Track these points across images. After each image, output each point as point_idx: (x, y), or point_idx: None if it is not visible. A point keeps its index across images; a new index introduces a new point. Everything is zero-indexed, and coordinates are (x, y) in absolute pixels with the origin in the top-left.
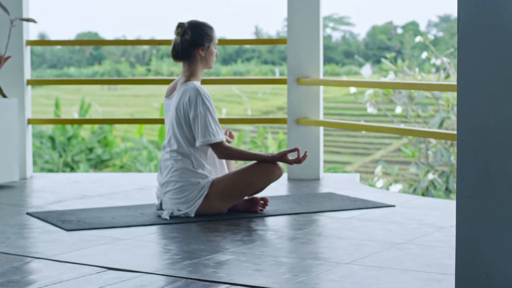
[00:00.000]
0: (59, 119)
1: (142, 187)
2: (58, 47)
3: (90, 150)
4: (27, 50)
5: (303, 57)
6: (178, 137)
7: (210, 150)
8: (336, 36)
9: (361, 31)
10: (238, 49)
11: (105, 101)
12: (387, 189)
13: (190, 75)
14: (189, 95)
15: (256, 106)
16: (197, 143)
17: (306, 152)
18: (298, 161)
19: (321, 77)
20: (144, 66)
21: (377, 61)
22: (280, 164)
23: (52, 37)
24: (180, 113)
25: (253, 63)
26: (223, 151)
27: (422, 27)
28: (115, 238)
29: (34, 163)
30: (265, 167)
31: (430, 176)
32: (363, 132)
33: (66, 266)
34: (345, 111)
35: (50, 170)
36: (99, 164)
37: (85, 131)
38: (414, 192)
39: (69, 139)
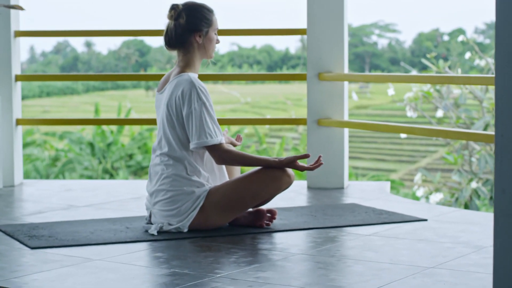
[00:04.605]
0: (50, 119)
1: (140, 196)
2: (104, 54)
3: (130, 156)
4: (16, 42)
5: (325, 50)
6: (170, 138)
7: (207, 154)
8: (382, 43)
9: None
10: (284, 56)
11: (149, 107)
12: (427, 198)
13: (185, 66)
14: (182, 89)
15: (301, 112)
16: (191, 145)
17: (320, 157)
18: (310, 168)
19: (346, 71)
20: None
21: (423, 68)
22: (289, 170)
23: (99, 45)
24: (171, 109)
25: (298, 70)
26: (222, 155)
27: (469, 34)
28: (85, 258)
29: (73, 169)
30: (272, 174)
31: (474, 184)
32: (407, 139)
33: None
34: (390, 118)
35: (90, 177)
36: (139, 171)
37: (125, 137)
38: (456, 201)
39: (108, 145)
